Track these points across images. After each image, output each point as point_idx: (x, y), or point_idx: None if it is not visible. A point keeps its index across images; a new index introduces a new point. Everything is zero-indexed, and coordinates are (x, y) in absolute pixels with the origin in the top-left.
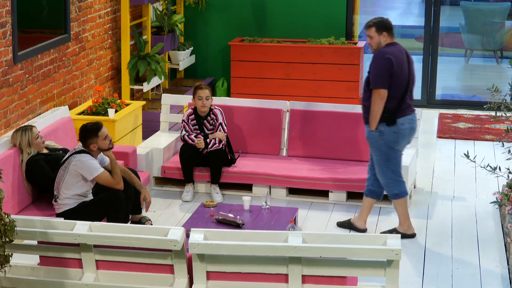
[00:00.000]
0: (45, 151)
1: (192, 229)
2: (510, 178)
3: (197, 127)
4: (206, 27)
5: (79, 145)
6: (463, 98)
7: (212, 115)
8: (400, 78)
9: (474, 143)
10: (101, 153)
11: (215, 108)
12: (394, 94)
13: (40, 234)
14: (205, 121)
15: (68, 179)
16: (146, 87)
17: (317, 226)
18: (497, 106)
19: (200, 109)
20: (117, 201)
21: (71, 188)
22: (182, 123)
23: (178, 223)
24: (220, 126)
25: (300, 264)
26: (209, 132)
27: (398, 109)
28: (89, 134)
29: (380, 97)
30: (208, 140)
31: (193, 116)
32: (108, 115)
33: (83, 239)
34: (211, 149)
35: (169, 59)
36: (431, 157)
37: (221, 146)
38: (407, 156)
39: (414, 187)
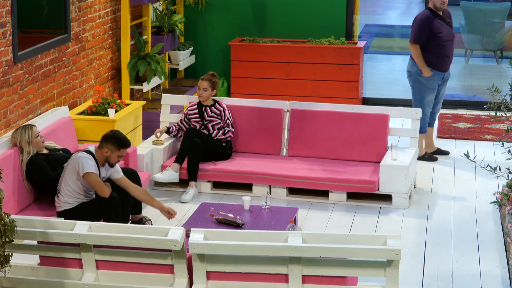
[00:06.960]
0: (45, 151)
1: (192, 229)
2: (510, 178)
3: (197, 114)
4: (206, 27)
5: (89, 147)
6: (463, 98)
7: (218, 107)
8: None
9: (474, 143)
10: (112, 166)
11: (222, 103)
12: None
13: (40, 234)
14: (207, 108)
15: (67, 174)
16: (146, 87)
17: (317, 226)
18: (497, 106)
19: (199, 98)
20: (110, 203)
21: (70, 184)
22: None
23: (178, 223)
24: (228, 121)
25: (300, 264)
26: (208, 119)
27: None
28: (114, 142)
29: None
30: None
31: (196, 106)
32: (108, 115)
33: (83, 239)
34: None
35: (169, 59)
36: None
37: (226, 137)
38: (407, 156)
39: (414, 187)
